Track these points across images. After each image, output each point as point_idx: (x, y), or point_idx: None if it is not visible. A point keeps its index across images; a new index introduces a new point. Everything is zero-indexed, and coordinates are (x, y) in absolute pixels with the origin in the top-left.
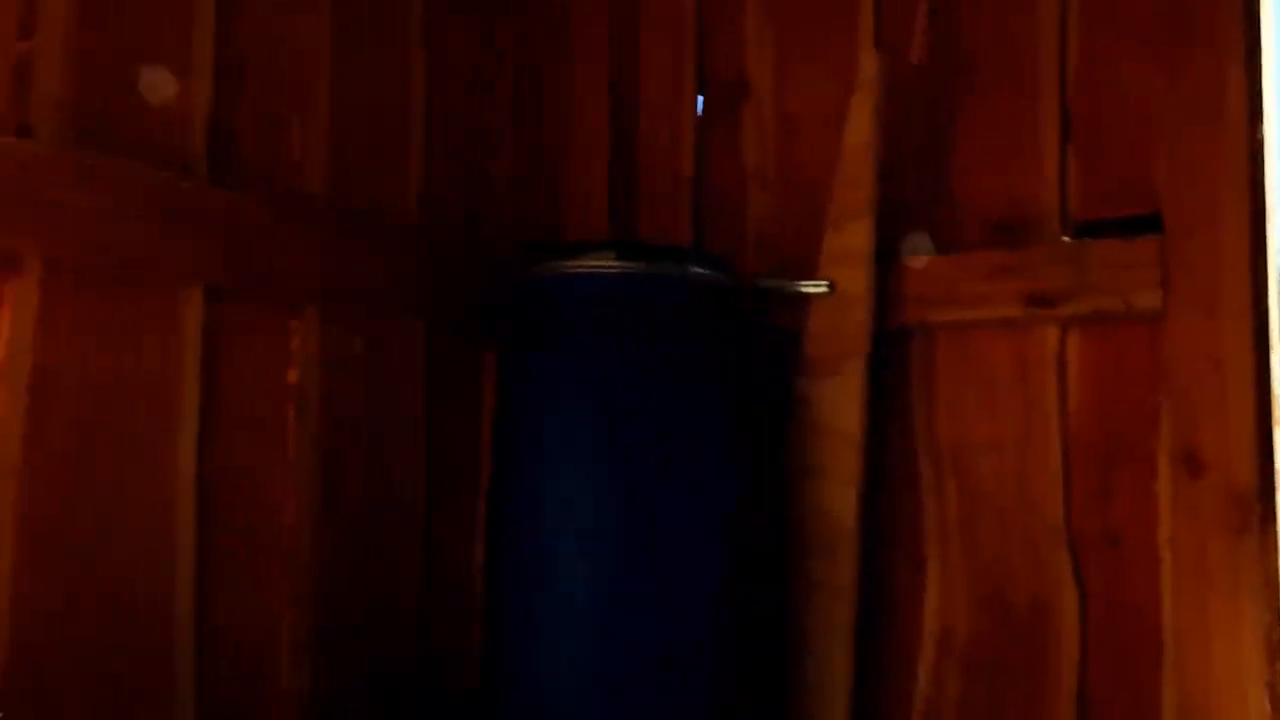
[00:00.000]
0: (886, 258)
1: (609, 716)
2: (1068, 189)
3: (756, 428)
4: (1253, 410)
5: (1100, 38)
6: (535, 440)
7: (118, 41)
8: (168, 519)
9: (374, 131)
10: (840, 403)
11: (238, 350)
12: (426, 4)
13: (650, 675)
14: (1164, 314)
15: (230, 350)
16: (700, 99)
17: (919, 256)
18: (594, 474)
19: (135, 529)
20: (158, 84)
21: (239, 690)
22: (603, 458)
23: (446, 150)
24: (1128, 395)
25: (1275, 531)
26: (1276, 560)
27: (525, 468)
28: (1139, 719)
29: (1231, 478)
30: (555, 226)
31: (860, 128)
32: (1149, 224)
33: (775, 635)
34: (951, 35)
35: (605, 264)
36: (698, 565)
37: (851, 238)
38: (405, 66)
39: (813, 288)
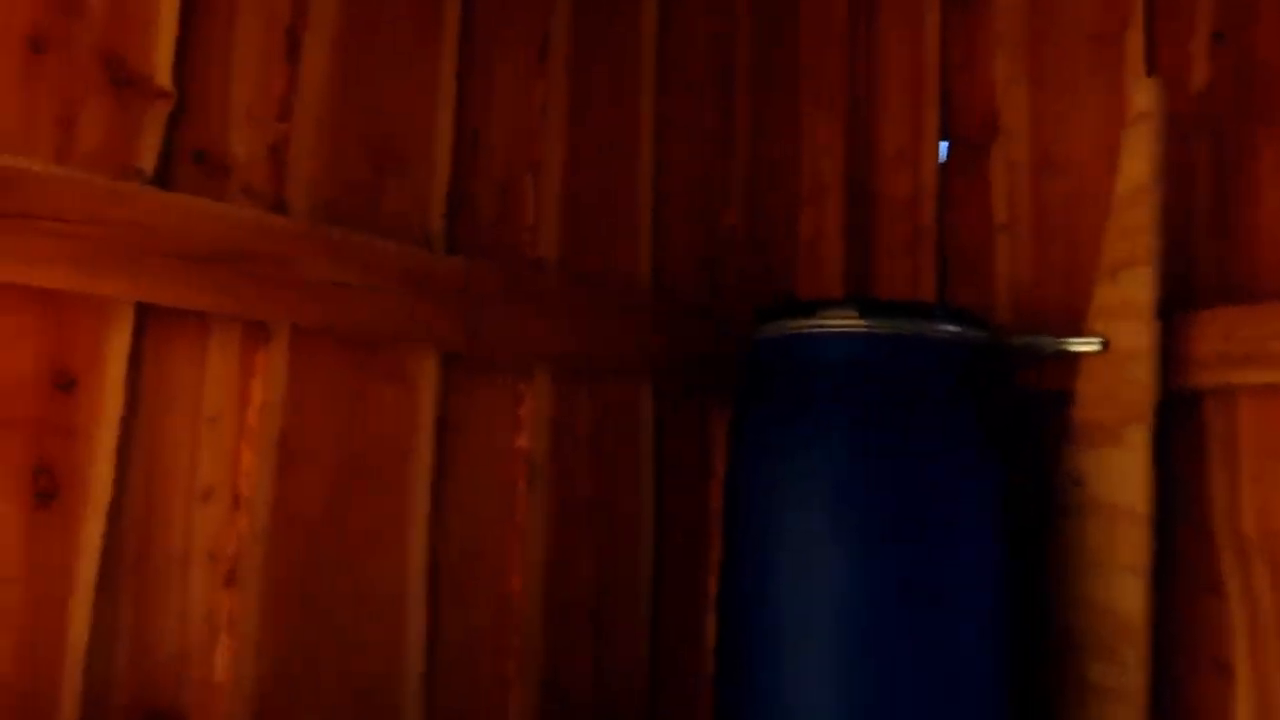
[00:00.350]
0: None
1: None
2: None
3: (1018, 503)
4: None
5: None
6: (773, 512)
7: (365, 122)
8: (400, 583)
9: (606, 193)
10: (1122, 475)
11: (469, 415)
12: (658, 61)
13: None
14: None
15: (462, 415)
16: (943, 144)
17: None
18: (840, 551)
19: (371, 592)
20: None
21: None
22: (850, 534)
23: (677, 209)
24: None
25: None
26: None
27: (761, 541)
28: None
29: None
30: (787, 282)
31: (1138, 166)
32: None
33: None
34: (1242, 62)
35: (847, 322)
36: (959, 657)
37: (1130, 288)
38: (636, 126)
39: (1083, 345)
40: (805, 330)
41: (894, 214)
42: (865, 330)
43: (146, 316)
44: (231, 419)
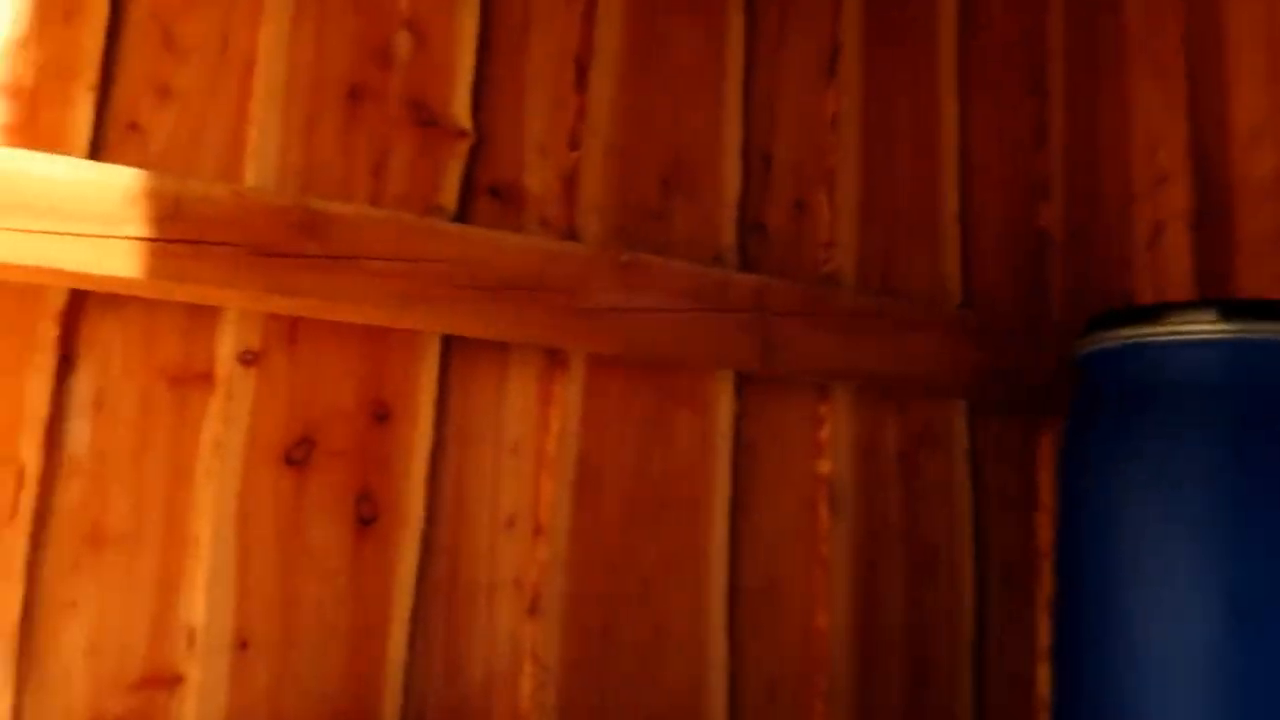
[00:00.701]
0: None
1: None
2: None
3: None
4: None
5: None
6: (1124, 546)
7: (653, 145)
8: (699, 615)
9: (906, 201)
10: None
11: (767, 439)
12: (959, 53)
13: None
14: None
15: (759, 439)
16: None
17: None
18: (1209, 590)
19: (670, 624)
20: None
21: None
22: (1225, 574)
23: (986, 213)
24: None
25: None
26: None
27: (1109, 577)
28: None
29: None
30: (1121, 286)
31: None
32: None
33: None
34: None
35: (1207, 327)
36: None
37: None
38: (936, 127)
39: None
40: (1154, 339)
41: (1253, 200)
42: (1230, 336)
43: (451, 349)
44: (531, 447)
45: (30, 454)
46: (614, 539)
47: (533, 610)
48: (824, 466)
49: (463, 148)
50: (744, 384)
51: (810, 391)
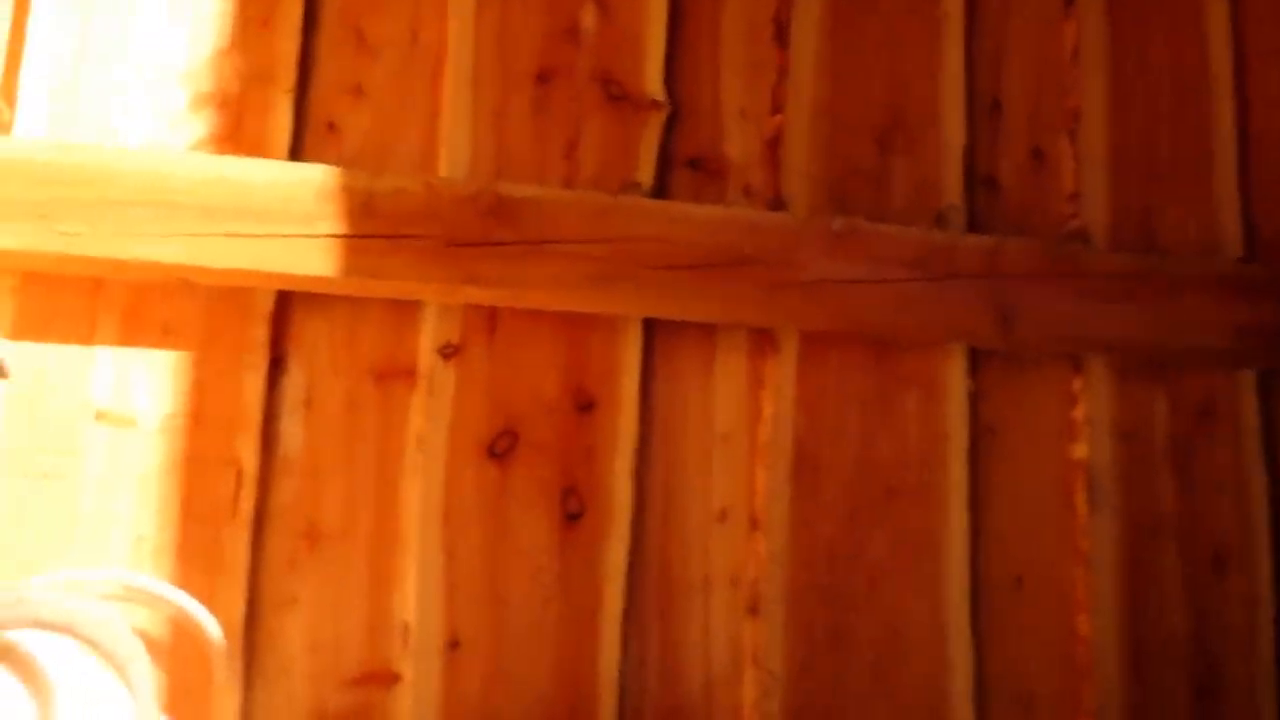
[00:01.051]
0: None
1: None
2: None
3: None
4: None
5: None
6: None
7: (864, 102)
8: (937, 614)
9: (1168, 145)
10: None
11: (1008, 420)
12: None
13: None
14: None
15: (1000, 420)
16: None
17: None
18: None
19: (903, 624)
20: None
21: None
22: None
23: (1270, 150)
24: None
25: None
26: None
27: None
28: None
29: None
30: None
31: None
32: None
33: None
34: None
35: None
36: None
37: None
38: (1204, 55)
39: None
40: None
41: None
42: None
43: (654, 332)
44: (742, 435)
45: (248, 454)
46: (837, 532)
47: (752, 610)
48: (1079, 451)
49: (657, 120)
50: (979, 359)
51: (1060, 366)
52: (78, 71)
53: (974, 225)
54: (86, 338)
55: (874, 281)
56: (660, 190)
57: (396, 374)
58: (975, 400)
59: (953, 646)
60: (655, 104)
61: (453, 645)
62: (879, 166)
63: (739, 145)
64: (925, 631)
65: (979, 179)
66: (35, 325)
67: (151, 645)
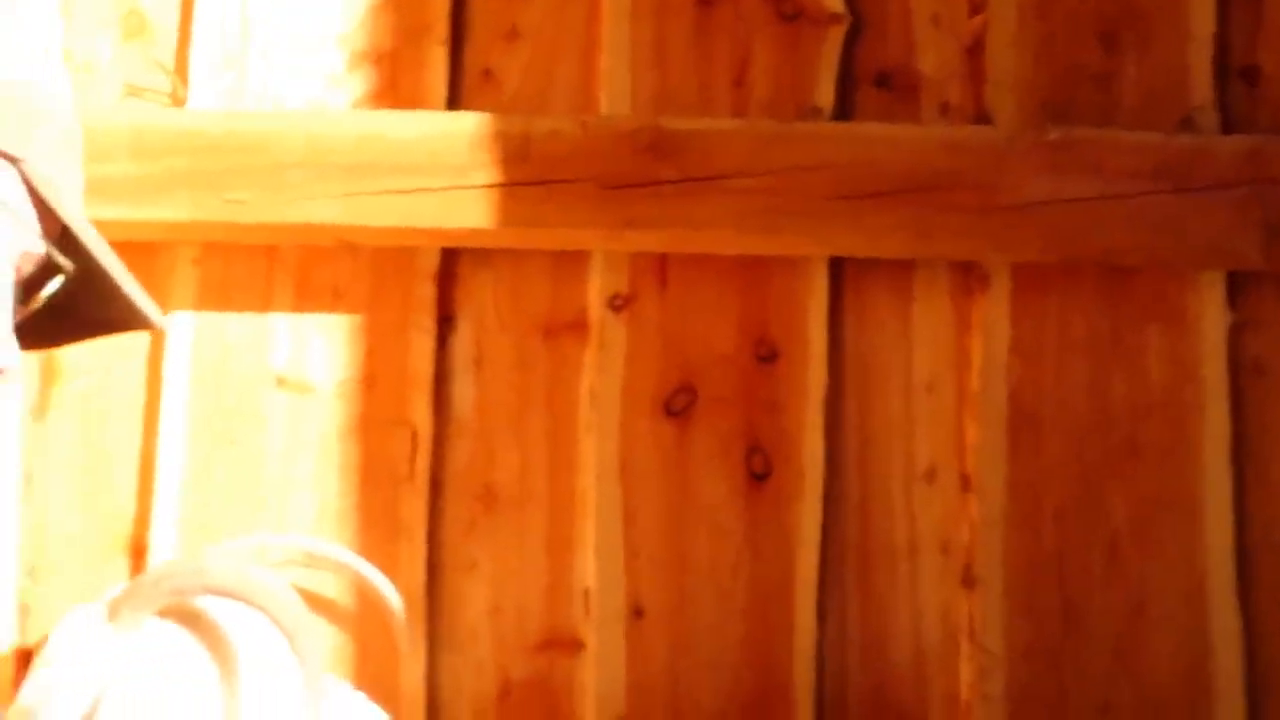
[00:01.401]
0: None
1: None
2: None
3: None
4: None
5: None
6: None
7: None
8: (1194, 579)
9: None
10: None
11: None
12: None
13: None
14: None
15: (1271, 356)
16: None
17: None
18: None
19: (1154, 593)
20: None
21: None
22: None
23: None
24: None
25: None
26: None
27: None
28: None
29: None
30: None
31: None
32: None
33: None
34: None
35: None
36: None
37: None
38: None
39: None
40: None
41: None
42: None
43: (842, 272)
44: (949, 385)
45: (421, 416)
46: (1065, 492)
47: (966, 580)
48: None
49: (836, 35)
50: (1241, 284)
51: None
52: (243, 43)
53: (1229, 127)
54: (264, 305)
55: (1103, 198)
56: (844, 113)
57: (566, 329)
58: (1237, 333)
59: (1214, 624)
60: (834, 17)
61: (637, 613)
62: (1105, 66)
63: (933, 57)
64: (1178, 607)
65: (1235, 70)
66: (216, 295)
67: (335, 612)
